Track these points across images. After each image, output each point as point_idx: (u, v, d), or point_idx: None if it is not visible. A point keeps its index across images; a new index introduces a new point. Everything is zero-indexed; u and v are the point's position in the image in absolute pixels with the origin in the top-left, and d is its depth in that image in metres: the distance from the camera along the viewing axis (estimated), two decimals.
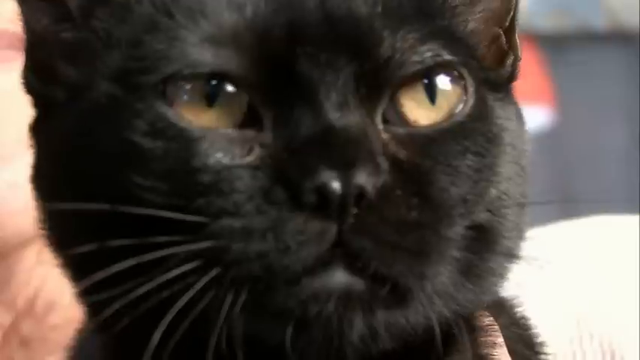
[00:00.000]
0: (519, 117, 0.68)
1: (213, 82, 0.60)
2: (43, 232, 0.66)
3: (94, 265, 0.59)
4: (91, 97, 0.62)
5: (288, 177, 0.57)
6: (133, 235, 0.57)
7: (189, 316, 0.57)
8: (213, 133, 0.59)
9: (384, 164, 0.58)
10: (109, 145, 0.60)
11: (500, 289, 0.67)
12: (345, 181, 0.56)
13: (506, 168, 0.64)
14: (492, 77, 0.66)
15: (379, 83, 0.61)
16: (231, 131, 0.59)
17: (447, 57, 0.62)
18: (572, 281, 0.97)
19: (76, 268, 0.64)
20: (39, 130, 0.67)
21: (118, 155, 0.60)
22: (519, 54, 0.69)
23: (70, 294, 0.65)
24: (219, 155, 0.58)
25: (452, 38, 0.64)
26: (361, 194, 0.56)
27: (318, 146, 0.57)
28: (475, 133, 0.63)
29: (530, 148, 0.67)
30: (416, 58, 0.61)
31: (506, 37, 0.68)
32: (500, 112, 0.65)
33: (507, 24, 0.69)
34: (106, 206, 0.58)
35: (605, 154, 3.00)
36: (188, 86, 0.60)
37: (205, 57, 0.59)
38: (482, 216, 0.62)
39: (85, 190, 0.61)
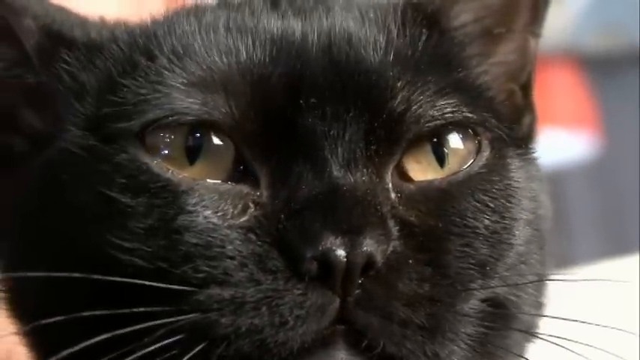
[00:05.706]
0: (540, 178, 0.64)
1: (197, 135, 0.55)
2: (2, 295, 0.61)
3: (64, 337, 0.53)
4: (60, 148, 0.57)
5: (286, 242, 0.53)
6: (108, 304, 0.52)
7: None
8: (203, 185, 0.55)
9: (394, 229, 0.54)
10: (83, 201, 0.55)
11: None
12: (352, 249, 0.52)
13: (524, 231, 0.59)
14: (510, 132, 0.62)
15: (392, 139, 0.57)
16: (222, 184, 0.55)
17: (467, 114, 0.58)
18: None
19: (42, 340, 0.58)
20: None
21: (93, 213, 0.55)
22: (536, 114, 0.68)
23: None
24: (208, 213, 0.54)
25: (469, 91, 0.60)
26: (369, 263, 0.52)
27: (321, 208, 0.53)
28: (492, 187, 0.58)
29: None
30: (434, 112, 0.57)
31: (523, 95, 0.67)
32: (519, 169, 0.61)
33: (524, 80, 0.67)
34: (75, 275, 0.53)
35: None
36: (168, 139, 0.56)
37: (190, 103, 0.55)
38: (498, 287, 0.57)
39: (53, 252, 0.56)
